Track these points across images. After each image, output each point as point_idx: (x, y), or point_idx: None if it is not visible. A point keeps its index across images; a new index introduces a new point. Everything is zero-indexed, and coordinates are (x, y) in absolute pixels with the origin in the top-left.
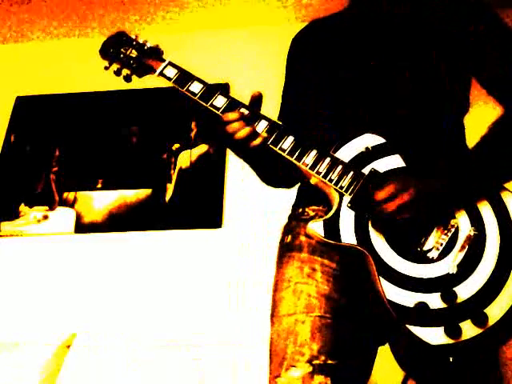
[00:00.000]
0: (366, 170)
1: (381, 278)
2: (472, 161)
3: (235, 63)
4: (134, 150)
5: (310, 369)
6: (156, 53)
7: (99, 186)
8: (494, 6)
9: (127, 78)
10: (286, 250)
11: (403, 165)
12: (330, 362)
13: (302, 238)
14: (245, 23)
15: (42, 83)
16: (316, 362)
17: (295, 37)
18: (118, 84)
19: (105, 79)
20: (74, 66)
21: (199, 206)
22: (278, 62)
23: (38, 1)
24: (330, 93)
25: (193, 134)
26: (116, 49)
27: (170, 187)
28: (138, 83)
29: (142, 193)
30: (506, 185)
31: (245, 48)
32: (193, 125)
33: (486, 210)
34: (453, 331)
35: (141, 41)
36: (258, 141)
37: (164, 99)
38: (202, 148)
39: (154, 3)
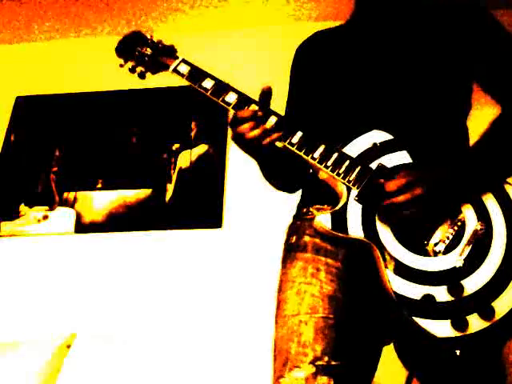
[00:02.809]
0: (373, 165)
1: (387, 270)
2: (474, 158)
3: (235, 63)
4: (134, 149)
5: (314, 370)
6: (170, 51)
7: (99, 185)
8: (494, 6)
9: (141, 75)
10: (290, 250)
11: (410, 161)
12: (333, 362)
13: (306, 238)
14: (245, 23)
15: (41, 83)
16: (319, 362)
17: (298, 48)
18: (118, 84)
19: (105, 79)
20: (74, 66)
21: (199, 206)
22: (278, 62)
23: (38, 1)
24: (332, 94)
25: (193, 134)
26: (131, 47)
27: (170, 187)
28: (137, 83)
29: (142, 193)
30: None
31: (245, 48)
32: (193, 125)
33: (491, 204)
34: (460, 324)
35: (155, 40)
36: (268, 139)
37: (164, 99)
38: (202, 148)
39: (154, 5)
